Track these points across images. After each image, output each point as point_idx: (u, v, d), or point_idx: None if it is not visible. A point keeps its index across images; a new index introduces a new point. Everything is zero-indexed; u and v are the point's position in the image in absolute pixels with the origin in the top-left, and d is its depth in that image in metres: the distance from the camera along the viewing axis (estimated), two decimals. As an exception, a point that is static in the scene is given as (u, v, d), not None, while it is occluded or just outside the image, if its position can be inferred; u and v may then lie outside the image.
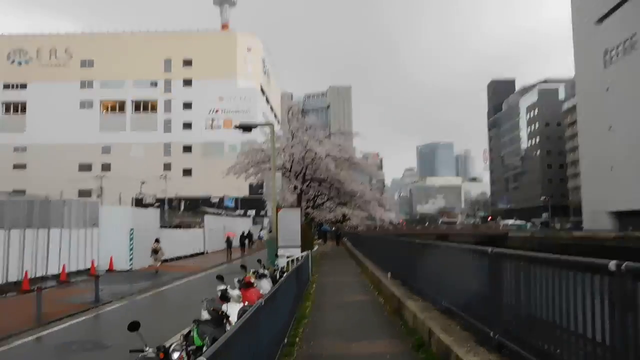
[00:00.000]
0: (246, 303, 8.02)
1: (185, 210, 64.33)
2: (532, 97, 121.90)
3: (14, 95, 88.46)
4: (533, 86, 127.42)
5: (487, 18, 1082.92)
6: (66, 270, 20.50)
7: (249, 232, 43.38)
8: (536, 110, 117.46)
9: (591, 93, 73.44)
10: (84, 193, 74.97)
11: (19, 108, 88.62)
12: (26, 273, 18.03)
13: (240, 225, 50.44)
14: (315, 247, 33.18)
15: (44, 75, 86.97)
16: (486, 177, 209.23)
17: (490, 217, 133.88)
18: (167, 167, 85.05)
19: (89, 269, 22.43)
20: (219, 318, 6.67)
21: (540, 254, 4.73)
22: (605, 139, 69.60)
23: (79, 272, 22.17)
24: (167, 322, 11.93)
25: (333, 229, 56.17)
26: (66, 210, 22.62)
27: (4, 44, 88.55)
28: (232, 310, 7.20)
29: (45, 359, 9.15)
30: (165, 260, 27.36)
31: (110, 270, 23.79)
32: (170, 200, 72.79)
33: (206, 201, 74.61)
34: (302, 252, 18.47)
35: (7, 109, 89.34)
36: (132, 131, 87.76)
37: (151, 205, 56.42)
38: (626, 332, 3.26)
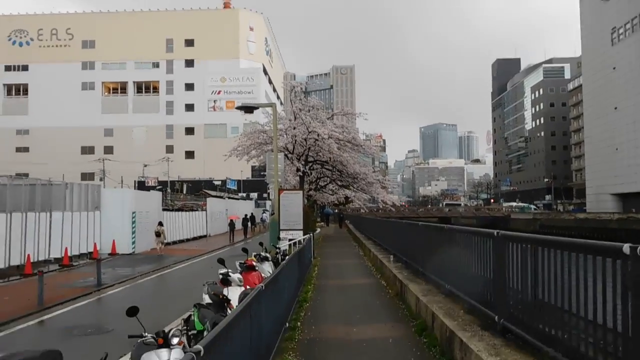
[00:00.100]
0: (247, 287, 7.96)
1: (188, 193, 64.32)
2: (537, 77, 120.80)
3: (15, 77, 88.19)
4: (538, 65, 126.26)
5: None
6: (69, 254, 20.49)
7: (252, 215, 43.38)
8: (541, 90, 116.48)
9: (597, 72, 72.73)
10: (87, 176, 75.08)
11: (21, 90, 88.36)
12: (28, 257, 18.00)
13: (243, 208, 50.45)
14: (318, 230, 33.14)
15: (45, 56, 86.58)
16: (489, 158, 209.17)
17: (493, 199, 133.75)
18: (169, 149, 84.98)
19: (91, 253, 22.44)
20: (220, 302, 6.60)
21: (549, 236, 4.59)
22: (610, 120, 69.12)
23: (81, 256, 22.23)
24: (169, 305, 11.91)
25: (336, 211, 56.20)
26: (68, 194, 22.57)
27: (4, 25, 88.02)
28: (233, 294, 7.13)
29: (47, 343, 9.08)
30: (168, 244, 27.41)
31: (112, 253, 23.81)
32: (173, 183, 72.82)
33: (209, 184, 74.61)
34: (304, 234, 18.40)
35: (9, 92, 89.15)
36: (134, 113, 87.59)
37: (153, 188, 56.38)
38: (640, 318, 3.14)
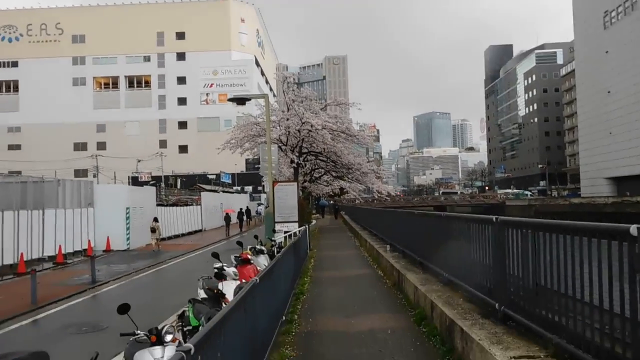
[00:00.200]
0: (243, 280, 7.84)
1: (182, 188, 64.07)
2: (529, 63, 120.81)
3: (5, 74, 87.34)
4: (531, 51, 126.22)
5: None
6: (62, 252, 20.30)
7: (247, 208, 43.22)
8: (534, 77, 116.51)
9: (590, 56, 72.74)
10: (80, 173, 74.62)
11: (12, 87, 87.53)
12: (22, 255, 17.81)
13: (238, 201, 50.26)
14: (313, 222, 33.05)
15: (35, 52, 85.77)
16: (483, 146, 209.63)
17: (487, 187, 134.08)
18: (162, 144, 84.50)
19: (85, 250, 22.26)
20: (215, 297, 6.50)
21: (550, 220, 4.47)
22: (603, 104, 69.23)
23: (75, 253, 22.05)
24: (165, 301, 11.81)
25: (331, 202, 56.14)
26: (60, 190, 22.37)
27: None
28: (228, 288, 7.05)
29: (41, 342, 8.97)
30: (163, 239, 27.26)
31: (107, 250, 23.64)
32: (167, 178, 72.49)
33: (203, 178, 74.33)
34: (299, 226, 18.28)
35: (0, 88, 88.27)
36: (127, 108, 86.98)
37: (147, 183, 56.10)
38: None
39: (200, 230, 37.79)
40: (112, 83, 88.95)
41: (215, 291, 6.50)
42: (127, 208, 25.42)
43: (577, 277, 3.81)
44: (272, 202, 18.70)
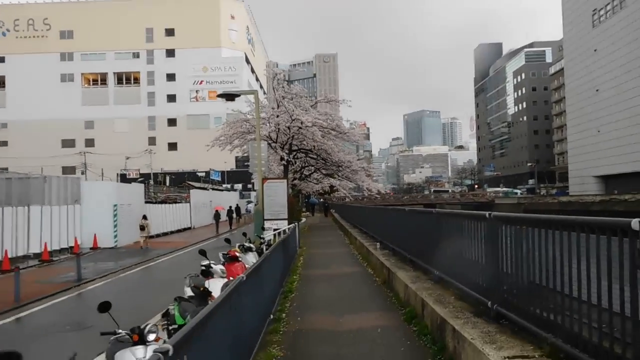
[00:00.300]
0: (231, 278, 7.70)
1: (171, 185, 63.63)
2: (519, 61, 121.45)
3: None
4: (520, 50, 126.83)
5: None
6: (48, 249, 20.01)
7: (237, 205, 43.00)
8: (523, 75, 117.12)
9: (579, 55, 73.14)
10: (68, 170, 73.81)
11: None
12: (6, 252, 17.53)
13: (227, 199, 50.04)
14: (303, 220, 32.93)
15: (23, 47, 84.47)
16: (473, 144, 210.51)
17: (477, 185, 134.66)
18: (151, 141, 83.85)
19: (72, 247, 21.97)
20: (202, 295, 6.34)
21: (546, 215, 4.34)
22: (592, 102, 69.69)
23: (62, 250, 21.79)
24: (151, 299, 11.62)
25: (321, 200, 56.06)
26: (47, 187, 22.07)
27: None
28: (215, 286, 6.92)
29: (23, 341, 8.76)
30: (151, 237, 27.00)
31: (94, 247, 23.37)
32: (156, 175, 71.95)
33: (192, 175, 73.88)
34: (289, 224, 18.15)
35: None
36: (115, 105, 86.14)
37: (135, 180, 55.66)
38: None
39: (190, 228, 37.52)
40: (100, 79, 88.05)
41: (202, 289, 6.34)
42: (115, 205, 25.12)
43: (574, 274, 3.69)
44: (261, 199, 18.54)
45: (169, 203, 37.26)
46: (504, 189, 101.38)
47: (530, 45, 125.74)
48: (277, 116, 27.88)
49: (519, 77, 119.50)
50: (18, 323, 10.17)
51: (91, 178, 64.54)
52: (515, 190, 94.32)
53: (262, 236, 14.32)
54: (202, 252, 8.30)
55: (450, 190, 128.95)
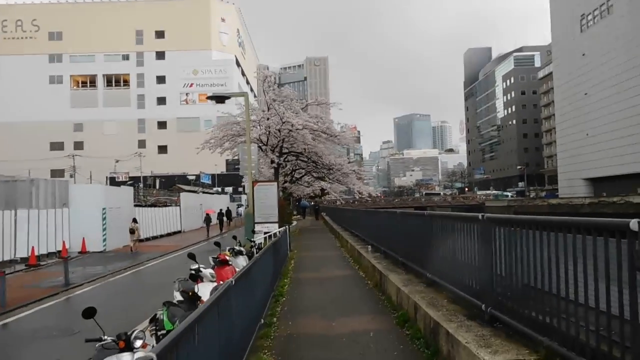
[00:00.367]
0: (221, 282, 7.58)
1: (161, 188, 63.26)
2: (508, 66, 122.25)
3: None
4: (509, 54, 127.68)
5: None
6: (35, 253, 19.71)
7: (228, 209, 42.79)
8: (512, 79, 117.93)
9: (567, 59, 73.71)
10: (57, 172, 73.14)
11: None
12: (-8, 257, 17.25)
13: (218, 202, 49.78)
14: (294, 223, 32.79)
15: (10, 48, 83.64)
16: (463, 147, 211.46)
17: (467, 188, 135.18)
18: (141, 144, 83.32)
19: (60, 251, 21.67)
20: (191, 299, 6.23)
21: (541, 217, 4.28)
22: (581, 106, 70.20)
23: (49, 255, 21.49)
24: (140, 304, 11.48)
25: (312, 203, 55.97)
26: (34, 190, 21.80)
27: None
28: (204, 290, 6.79)
29: (9, 347, 8.59)
30: (141, 240, 26.75)
31: (83, 251, 23.07)
32: (145, 178, 71.49)
33: (182, 178, 73.52)
34: (279, 227, 18.03)
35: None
36: (105, 107, 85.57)
37: (124, 183, 55.27)
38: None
39: (180, 232, 37.24)
40: (89, 81, 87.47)
41: (191, 293, 6.23)
42: (104, 208, 24.86)
43: (570, 276, 3.62)
44: (252, 202, 18.41)
45: (159, 206, 36.99)
46: (494, 191, 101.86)
47: (519, 49, 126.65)
48: (268, 119, 27.78)
49: (508, 81, 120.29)
50: (4, 329, 9.99)
51: (80, 181, 63.97)
52: (506, 193, 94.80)
53: (252, 239, 14.19)
54: (191, 256, 8.19)
55: (441, 193, 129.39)
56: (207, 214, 35.74)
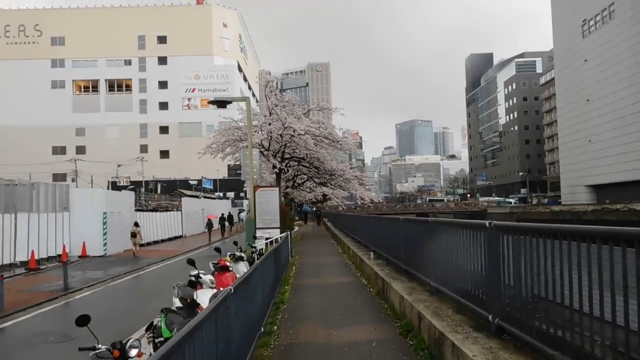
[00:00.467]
0: (220, 288, 7.44)
1: (162, 193, 63.19)
2: (509, 72, 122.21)
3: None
4: (511, 60, 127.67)
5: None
6: (35, 257, 19.60)
7: (229, 214, 42.67)
8: (514, 85, 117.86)
9: (569, 65, 73.53)
10: (59, 177, 73.17)
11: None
12: (-9, 261, 17.14)
13: (219, 207, 49.68)
14: (296, 228, 32.68)
15: (13, 53, 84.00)
16: (465, 153, 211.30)
17: (469, 194, 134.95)
18: (143, 149, 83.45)
19: (60, 255, 21.54)
20: (190, 306, 6.10)
21: (551, 225, 4.12)
22: (583, 112, 69.96)
23: (49, 259, 21.39)
24: (140, 310, 11.34)
25: (314, 209, 55.86)
26: (35, 194, 21.70)
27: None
28: (203, 296, 6.67)
29: (5, 352, 8.46)
30: (142, 245, 26.65)
31: (83, 256, 22.95)
32: (147, 183, 71.45)
33: (184, 183, 73.48)
34: (281, 233, 17.89)
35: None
36: (107, 112, 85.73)
37: (125, 188, 55.22)
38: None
39: (181, 236, 37.13)
40: (92, 86, 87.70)
41: (190, 300, 6.10)
42: (105, 213, 24.75)
43: (584, 287, 3.47)
44: (253, 207, 18.28)
45: (160, 211, 36.88)
46: (496, 198, 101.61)
47: (521, 55, 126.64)
48: (270, 124, 27.67)
49: (509, 87, 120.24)
50: (3, 334, 9.85)
51: (82, 185, 64.00)
52: (509, 200, 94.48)
53: (253, 245, 14.06)
54: (191, 262, 8.05)
55: (445, 200, 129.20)
56: (209, 220, 35.66)
